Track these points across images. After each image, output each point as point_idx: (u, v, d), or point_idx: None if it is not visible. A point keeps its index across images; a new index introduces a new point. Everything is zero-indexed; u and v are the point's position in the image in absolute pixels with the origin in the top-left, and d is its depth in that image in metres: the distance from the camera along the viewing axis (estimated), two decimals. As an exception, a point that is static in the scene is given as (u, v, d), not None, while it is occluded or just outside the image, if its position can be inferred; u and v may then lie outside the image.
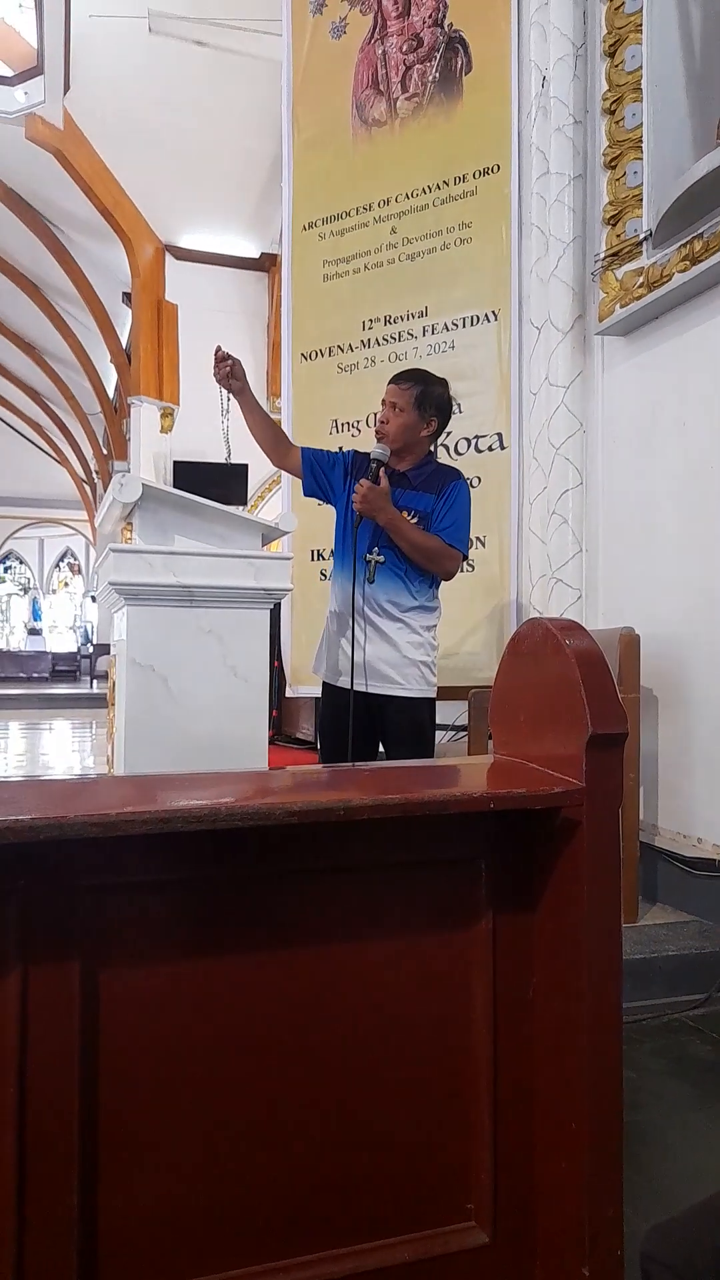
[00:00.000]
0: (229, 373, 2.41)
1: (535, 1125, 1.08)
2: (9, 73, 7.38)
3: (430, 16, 3.59)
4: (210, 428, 8.68)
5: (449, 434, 3.51)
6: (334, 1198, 1.01)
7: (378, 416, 2.45)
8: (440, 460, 3.46)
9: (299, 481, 2.64)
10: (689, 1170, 1.49)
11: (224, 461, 8.85)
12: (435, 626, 2.47)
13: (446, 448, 3.52)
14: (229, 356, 2.41)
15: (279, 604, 3.02)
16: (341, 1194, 1.02)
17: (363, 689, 2.38)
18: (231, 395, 2.49)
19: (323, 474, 2.54)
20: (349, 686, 2.37)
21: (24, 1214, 0.89)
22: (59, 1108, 0.91)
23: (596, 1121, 1.00)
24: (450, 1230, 1.05)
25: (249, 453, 9.00)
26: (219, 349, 2.42)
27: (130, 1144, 0.94)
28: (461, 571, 3.43)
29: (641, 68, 2.77)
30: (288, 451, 2.58)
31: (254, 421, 2.53)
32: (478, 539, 3.45)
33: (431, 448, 2.52)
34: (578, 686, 1.02)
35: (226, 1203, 0.97)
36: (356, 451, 2.55)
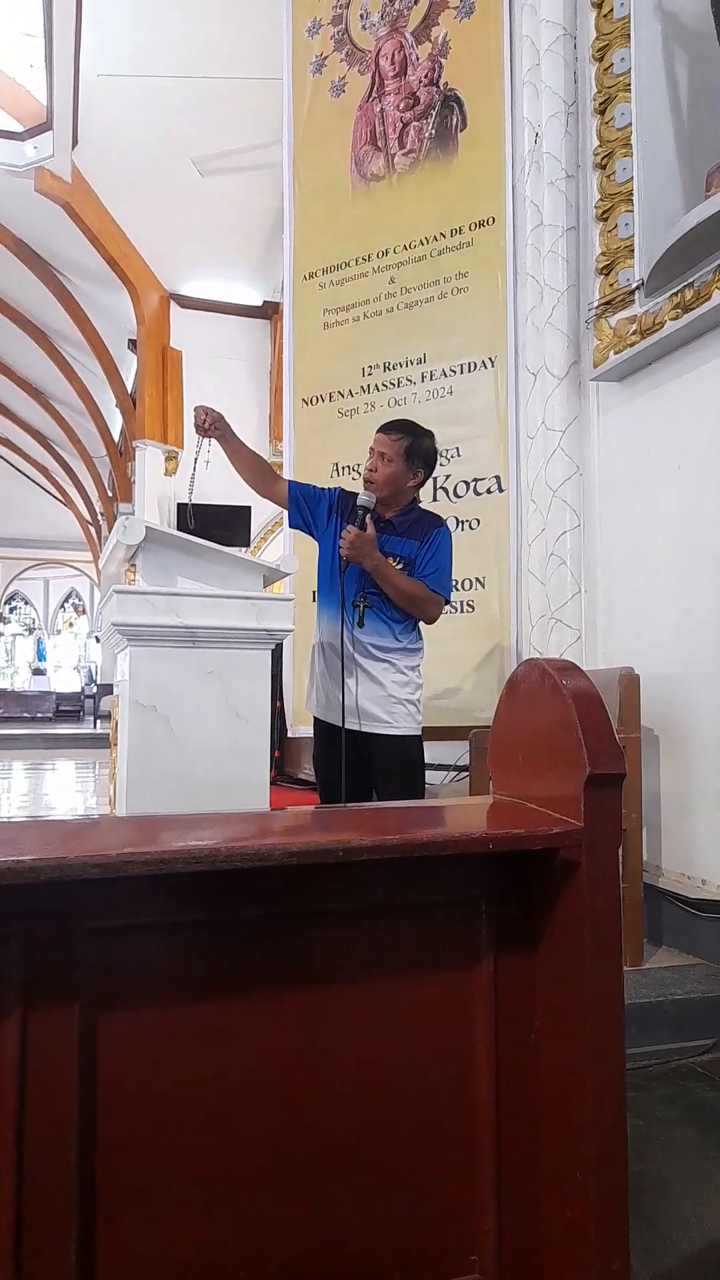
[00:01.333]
0: (210, 425, 2.48)
1: (540, 1174, 1.06)
2: (19, 128, 7.62)
3: (426, 76, 3.72)
4: (214, 473, 8.80)
5: (448, 477, 3.57)
6: (335, 1248, 1.00)
7: (366, 465, 2.50)
8: (439, 502, 3.52)
9: None
10: (698, 1221, 1.46)
11: (209, 504, 8.86)
12: (419, 666, 2.53)
13: (446, 490, 3.57)
14: (207, 413, 2.48)
15: (280, 644, 3.04)
16: (343, 1244, 1.00)
17: (354, 728, 2.41)
18: (215, 441, 2.54)
19: (308, 509, 2.60)
20: (340, 725, 2.41)
21: (20, 1264, 0.88)
22: (57, 1153, 0.90)
23: (602, 1170, 0.99)
24: (454, 1282, 1.03)
25: (239, 494, 9.08)
26: (199, 410, 2.50)
27: (128, 1194, 0.93)
28: (461, 612, 3.47)
29: (631, 124, 2.86)
30: (274, 483, 2.66)
31: (239, 458, 2.59)
32: (477, 580, 3.48)
33: (416, 496, 2.58)
34: (575, 727, 1.02)
35: (225, 1254, 0.96)
36: (343, 490, 2.61)
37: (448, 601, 2.53)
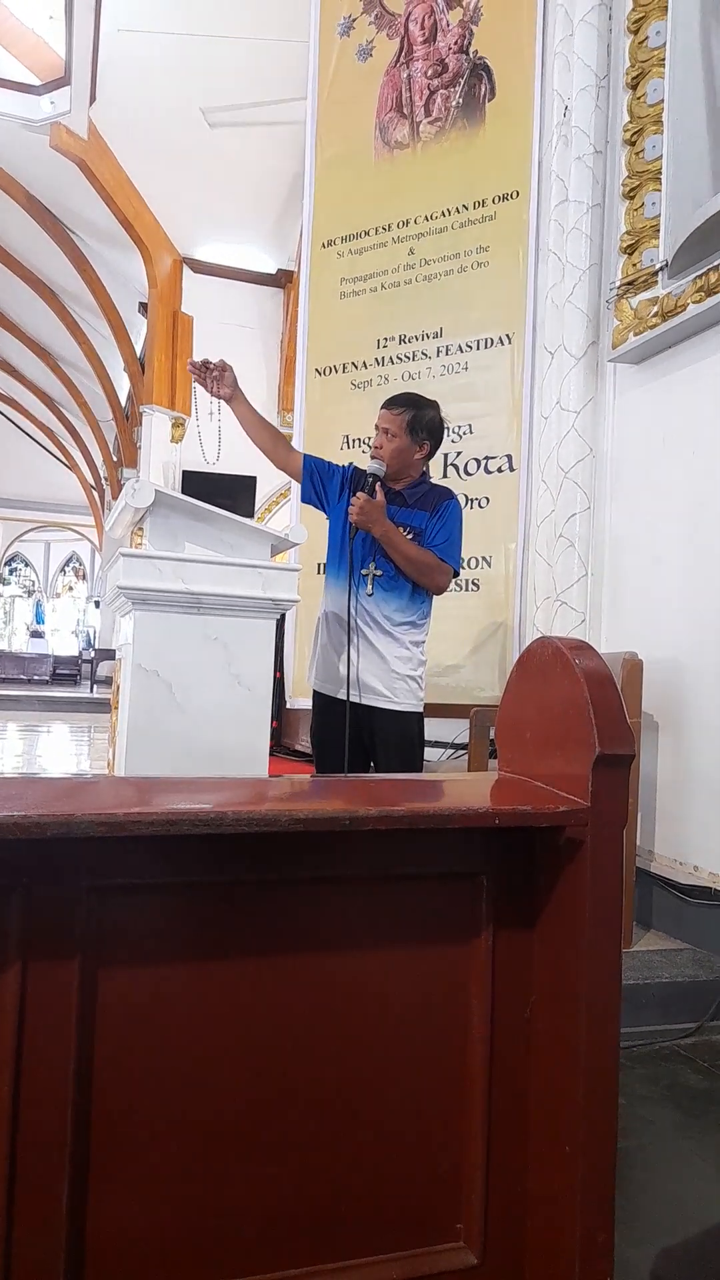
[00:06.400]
0: (218, 379, 2.47)
1: (528, 1146, 1.07)
2: (36, 81, 7.47)
3: (456, 43, 3.64)
4: (224, 440, 8.77)
5: (459, 454, 3.54)
6: (323, 1212, 1.00)
7: (372, 441, 2.49)
8: (449, 479, 3.49)
9: None
10: (678, 1197, 1.48)
11: (213, 472, 8.88)
12: (423, 643, 2.53)
13: (456, 467, 3.54)
14: (209, 364, 2.46)
15: (283, 615, 3.03)
16: (331, 1209, 1.01)
17: (354, 700, 2.42)
18: (224, 402, 2.53)
19: (321, 482, 2.60)
20: (341, 697, 2.42)
21: (13, 1214, 0.88)
22: (52, 1108, 0.90)
23: (590, 1145, 1.00)
24: (439, 1250, 1.04)
25: (249, 464, 9.07)
26: (194, 362, 2.48)
27: (121, 1148, 0.94)
28: (466, 591, 3.46)
29: (663, 101, 2.80)
30: (289, 454, 2.64)
31: (250, 425, 2.58)
32: (483, 559, 3.46)
33: (425, 469, 2.58)
34: (586, 706, 1.02)
35: (215, 1212, 0.96)
36: (356, 467, 2.61)
37: (457, 573, 2.53)
